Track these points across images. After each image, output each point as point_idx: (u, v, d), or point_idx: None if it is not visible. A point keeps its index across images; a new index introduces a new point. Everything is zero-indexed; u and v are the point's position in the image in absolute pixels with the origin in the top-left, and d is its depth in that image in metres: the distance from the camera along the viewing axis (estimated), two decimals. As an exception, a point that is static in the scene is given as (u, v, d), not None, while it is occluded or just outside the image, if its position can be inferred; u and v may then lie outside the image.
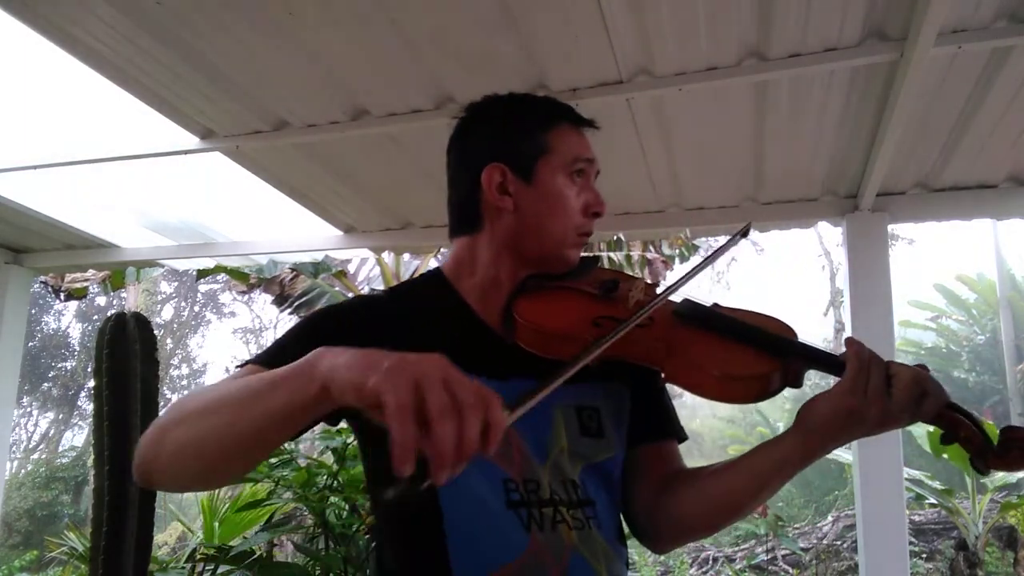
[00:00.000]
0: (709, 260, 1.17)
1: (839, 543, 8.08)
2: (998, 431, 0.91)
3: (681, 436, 1.17)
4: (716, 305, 1.07)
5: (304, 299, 5.38)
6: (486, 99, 1.16)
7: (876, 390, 0.90)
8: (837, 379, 0.94)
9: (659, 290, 1.12)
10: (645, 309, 0.95)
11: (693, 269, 1.13)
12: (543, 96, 1.17)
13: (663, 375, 0.99)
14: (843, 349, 0.95)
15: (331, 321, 1.06)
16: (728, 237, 1.17)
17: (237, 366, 1.02)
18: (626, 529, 1.13)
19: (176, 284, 19.23)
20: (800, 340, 0.99)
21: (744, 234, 1.17)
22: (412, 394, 0.62)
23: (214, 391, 0.83)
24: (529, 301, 1.06)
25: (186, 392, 18.59)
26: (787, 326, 1.02)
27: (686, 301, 1.05)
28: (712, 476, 1.05)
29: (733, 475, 1.02)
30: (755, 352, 0.97)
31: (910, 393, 0.89)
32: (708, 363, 0.96)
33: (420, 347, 1.01)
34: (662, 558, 8.70)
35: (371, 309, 1.09)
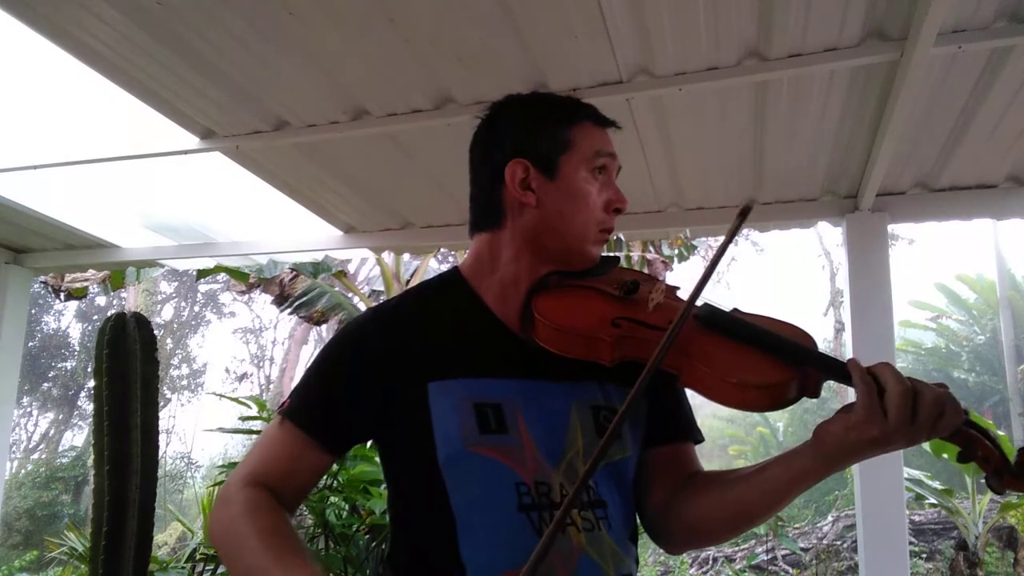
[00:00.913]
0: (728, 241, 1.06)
1: (839, 543, 8.08)
2: (1015, 450, 0.88)
3: (697, 438, 1.17)
4: (736, 310, 1.06)
5: (304, 299, 5.38)
6: (509, 97, 1.17)
7: (901, 420, 0.86)
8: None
9: (680, 292, 1.10)
10: (681, 318, 0.94)
11: (715, 257, 1.04)
12: (565, 95, 1.17)
13: (680, 380, 0.98)
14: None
15: (348, 350, 1.08)
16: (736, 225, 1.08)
17: (278, 411, 1.08)
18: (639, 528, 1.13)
19: (176, 284, 19.24)
20: (819, 350, 0.97)
21: (744, 214, 1.05)
22: None
23: (242, 556, 0.97)
24: (548, 298, 1.06)
25: (190, 393, 18.57)
26: (807, 334, 1.00)
27: (706, 305, 1.04)
28: (727, 486, 1.04)
29: (747, 487, 1.01)
30: (773, 360, 0.95)
31: (930, 414, 0.86)
32: (725, 369, 0.95)
33: (438, 350, 1.05)
34: (662, 558, 8.70)
35: (384, 321, 1.10)
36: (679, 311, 0.96)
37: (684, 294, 1.09)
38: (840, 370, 0.92)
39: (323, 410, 1.05)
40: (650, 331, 0.99)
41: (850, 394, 0.91)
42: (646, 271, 5.61)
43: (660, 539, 1.12)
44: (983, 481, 0.91)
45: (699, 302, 1.03)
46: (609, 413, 1.06)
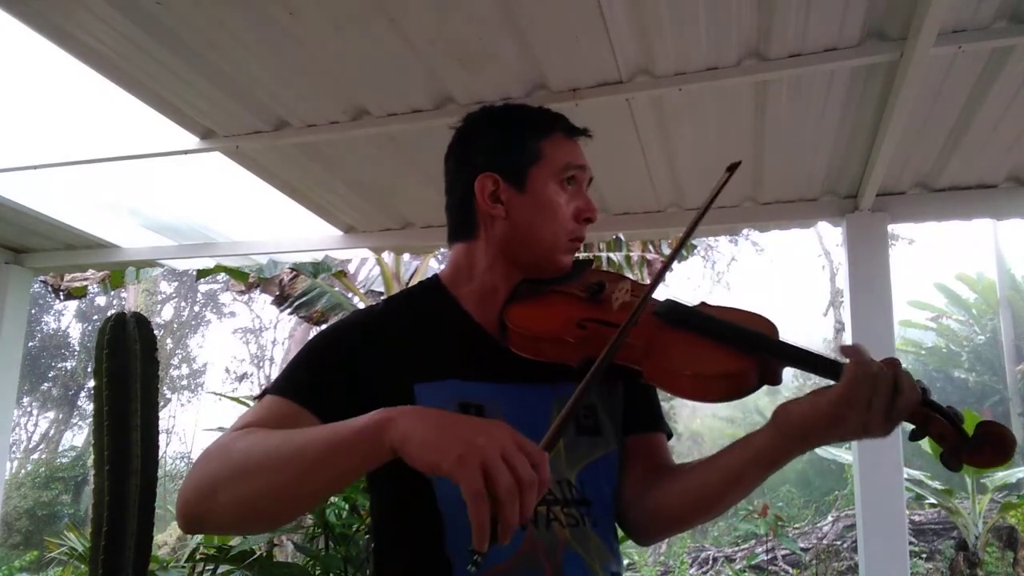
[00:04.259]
0: (685, 239, 1.18)
1: (839, 543, 8.08)
2: (974, 427, 0.87)
3: (668, 432, 1.19)
4: (703, 304, 1.08)
5: (304, 299, 5.38)
6: (482, 109, 1.20)
7: (862, 404, 0.86)
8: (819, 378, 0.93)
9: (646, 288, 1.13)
10: (633, 316, 0.96)
11: (671, 256, 1.15)
12: (537, 106, 1.20)
13: (643, 375, 1.00)
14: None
15: (337, 343, 1.09)
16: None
17: (257, 397, 1.06)
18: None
19: (176, 284, 19.24)
20: (779, 338, 0.99)
21: (731, 170, 1.11)
22: (483, 480, 0.73)
23: (266, 444, 0.87)
24: (519, 307, 1.09)
25: (190, 393, 18.58)
26: (769, 322, 1.02)
27: (667, 301, 1.06)
28: (690, 472, 1.07)
29: (708, 471, 1.03)
30: (729, 350, 0.97)
31: (887, 396, 0.86)
32: (682, 363, 0.97)
33: (424, 354, 1.07)
34: (662, 558, 8.70)
35: (371, 324, 1.12)
36: (645, 309, 0.98)
37: (659, 294, 1.12)
38: (801, 357, 0.94)
39: (311, 383, 1.03)
40: (614, 329, 1.00)
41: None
42: (646, 271, 5.62)
43: (629, 529, 1.14)
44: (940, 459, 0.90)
45: (664, 299, 1.07)
46: (588, 411, 1.09)
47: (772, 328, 1.01)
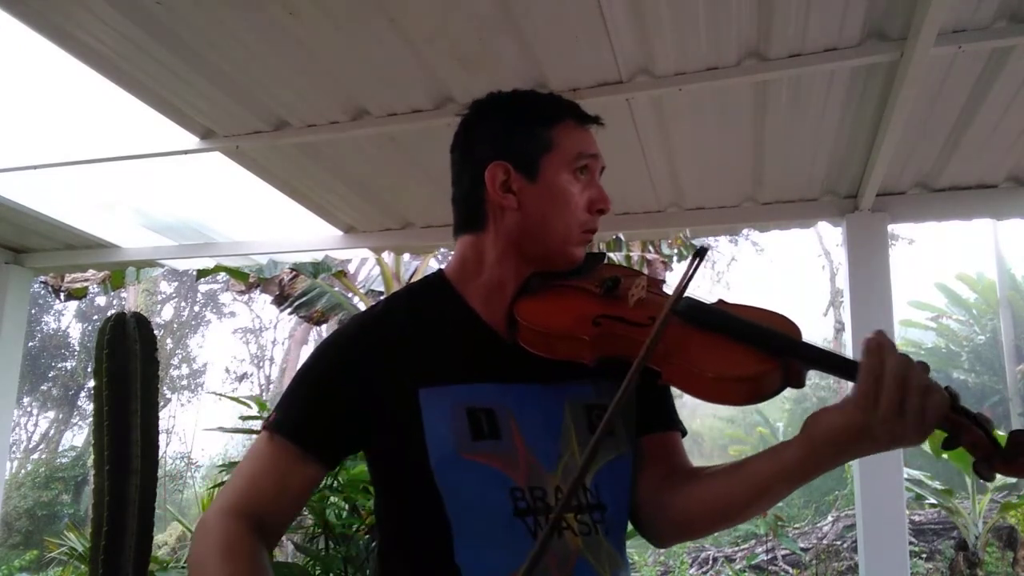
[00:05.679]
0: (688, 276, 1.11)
1: (839, 543, 8.08)
2: (1006, 436, 0.84)
3: (683, 430, 1.16)
4: (721, 301, 1.04)
5: (304, 299, 5.38)
6: (490, 96, 1.15)
7: (891, 407, 0.81)
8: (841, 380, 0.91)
9: (664, 288, 1.10)
10: (662, 319, 0.92)
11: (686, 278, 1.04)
12: (547, 93, 1.15)
13: (662, 376, 0.96)
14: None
15: (334, 360, 1.06)
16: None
17: (264, 427, 1.05)
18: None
19: (176, 284, 19.24)
20: (802, 339, 0.95)
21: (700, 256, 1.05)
22: None
23: None
24: (530, 301, 1.05)
25: (190, 393, 18.59)
26: (791, 323, 0.98)
27: (686, 299, 1.02)
28: (713, 478, 1.02)
29: (733, 480, 0.98)
30: (752, 351, 0.93)
31: (917, 403, 0.81)
32: (703, 364, 0.93)
33: (428, 357, 1.04)
34: (662, 557, 8.70)
35: (370, 328, 1.09)
36: (660, 305, 0.95)
37: (669, 289, 1.08)
38: (825, 360, 0.89)
39: (312, 421, 1.02)
40: (631, 328, 0.97)
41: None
42: (645, 271, 5.62)
43: (647, 532, 1.10)
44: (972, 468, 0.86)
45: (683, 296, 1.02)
46: (602, 411, 1.05)
47: (794, 328, 0.96)
